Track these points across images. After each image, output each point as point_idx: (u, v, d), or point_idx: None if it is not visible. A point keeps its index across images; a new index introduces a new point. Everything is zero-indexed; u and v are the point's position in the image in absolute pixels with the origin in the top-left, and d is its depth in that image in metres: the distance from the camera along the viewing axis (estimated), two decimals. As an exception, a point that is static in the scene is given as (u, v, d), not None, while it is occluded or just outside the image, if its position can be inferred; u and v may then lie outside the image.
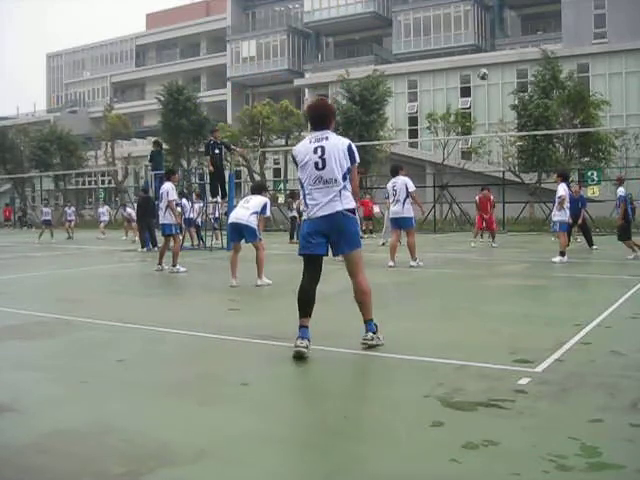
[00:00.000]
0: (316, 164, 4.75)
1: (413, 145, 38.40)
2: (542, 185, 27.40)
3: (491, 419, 3.27)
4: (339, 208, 4.67)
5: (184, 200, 19.53)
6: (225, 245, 16.43)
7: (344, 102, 30.98)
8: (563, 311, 6.58)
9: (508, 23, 48.56)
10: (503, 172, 27.49)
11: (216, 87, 55.69)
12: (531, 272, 10.60)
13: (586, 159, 26.55)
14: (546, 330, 5.46)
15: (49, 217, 23.73)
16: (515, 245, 17.32)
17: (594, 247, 14.76)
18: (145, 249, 16.60)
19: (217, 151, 15.96)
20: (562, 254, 11.63)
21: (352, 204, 4.75)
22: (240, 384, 3.96)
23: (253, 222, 8.84)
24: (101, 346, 5.16)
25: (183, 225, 19.09)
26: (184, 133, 35.03)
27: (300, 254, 4.85)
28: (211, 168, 15.98)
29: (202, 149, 26.31)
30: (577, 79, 27.83)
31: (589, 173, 25.63)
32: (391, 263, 10.98)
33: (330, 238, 4.74)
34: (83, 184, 51.26)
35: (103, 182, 49.51)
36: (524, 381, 3.87)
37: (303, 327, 4.70)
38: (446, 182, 30.26)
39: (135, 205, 20.89)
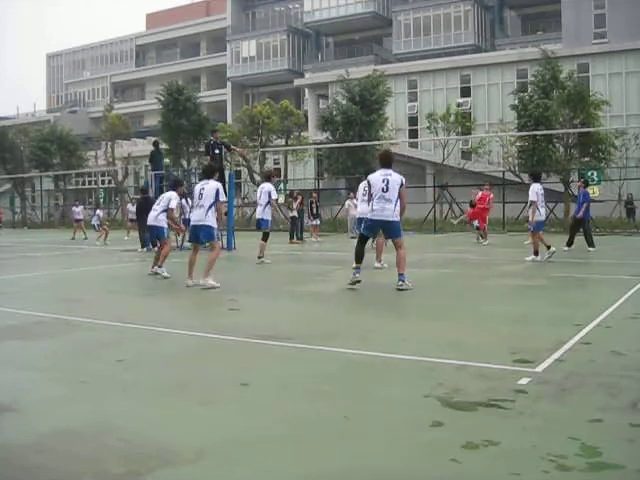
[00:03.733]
0: (382, 189, 8.23)
1: (413, 145, 38.41)
2: (542, 185, 27.37)
3: (491, 419, 3.27)
4: (390, 219, 8.23)
5: (184, 200, 19.53)
6: (225, 245, 16.45)
7: (344, 102, 30.98)
8: (563, 311, 6.58)
9: (508, 23, 48.52)
10: (503, 172, 27.50)
11: (216, 87, 55.70)
12: (531, 272, 10.60)
13: (586, 159, 26.53)
14: (546, 330, 5.45)
15: (81, 216, 23.93)
16: (515, 245, 17.31)
17: (592, 248, 14.48)
18: (145, 249, 16.59)
19: (217, 151, 15.97)
20: (536, 253, 11.97)
21: (398, 216, 8.28)
22: (240, 384, 3.95)
23: (209, 220, 8.80)
24: (101, 346, 5.16)
25: (183, 225, 19.13)
26: (184, 133, 35.01)
27: (364, 234, 8.64)
28: (211, 168, 15.96)
29: (202, 149, 26.31)
30: (577, 79, 27.80)
31: (589, 173, 25.61)
32: (377, 264, 10.87)
33: (383, 230, 8.62)
34: (83, 184, 51.29)
35: (103, 182, 49.54)
36: (524, 381, 3.87)
37: (357, 267, 8.24)
38: (446, 182, 30.27)
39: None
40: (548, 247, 12.04)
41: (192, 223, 9.02)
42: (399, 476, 2.64)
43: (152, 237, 10.94)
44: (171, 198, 10.63)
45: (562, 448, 2.82)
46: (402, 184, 8.34)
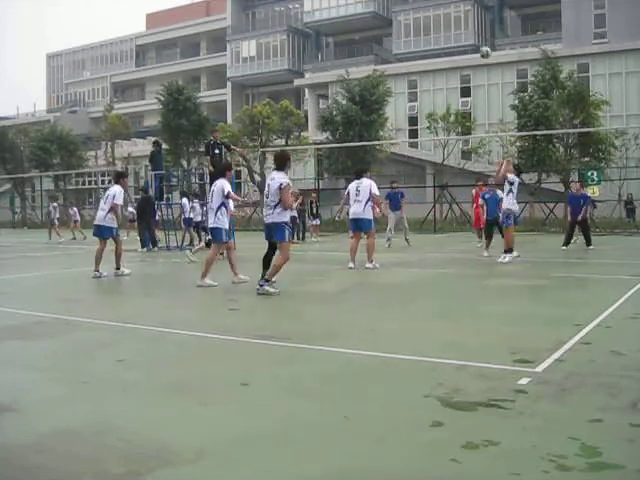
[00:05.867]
0: (266, 193, 8.36)
1: (413, 145, 38.40)
2: (542, 185, 27.40)
3: (491, 419, 3.27)
4: (270, 221, 8.18)
5: (184, 200, 19.57)
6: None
7: (344, 102, 30.97)
8: (563, 311, 6.58)
9: (508, 23, 48.52)
10: (503, 172, 27.46)
11: (216, 87, 55.68)
12: (531, 272, 10.60)
13: (586, 159, 26.54)
14: (546, 330, 5.45)
15: (78, 217, 23.58)
16: (515, 245, 17.28)
17: (591, 247, 14.81)
18: (145, 249, 16.60)
19: (217, 151, 15.96)
20: (511, 250, 12.00)
21: (281, 218, 8.11)
22: (240, 384, 3.95)
23: (218, 222, 8.89)
24: (101, 346, 5.16)
25: (183, 225, 19.17)
26: (184, 133, 35.01)
27: (266, 239, 8.54)
28: (211, 168, 15.97)
29: (202, 149, 26.33)
30: (577, 79, 27.81)
31: (589, 173, 25.63)
32: (351, 265, 10.86)
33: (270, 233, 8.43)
34: (83, 184, 51.27)
35: (103, 182, 49.51)
36: (524, 381, 3.87)
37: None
38: (446, 182, 30.26)
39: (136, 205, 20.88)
40: (487, 246, 12.97)
41: (209, 226, 9.25)
42: (399, 476, 2.64)
43: (102, 237, 10.60)
44: (115, 194, 10.38)
45: (562, 448, 2.82)
46: (282, 188, 8.08)
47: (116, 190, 10.43)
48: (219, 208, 8.88)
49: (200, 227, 17.82)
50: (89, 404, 3.63)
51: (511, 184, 11.86)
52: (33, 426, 3.25)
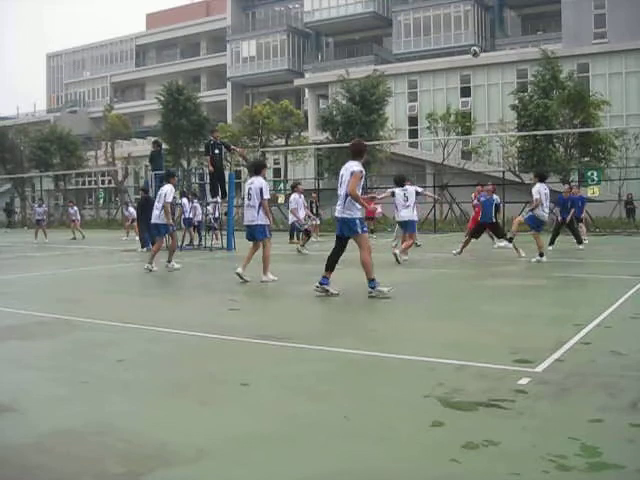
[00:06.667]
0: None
1: (413, 145, 38.40)
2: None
3: (491, 419, 3.27)
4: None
5: (184, 200, 19.57)
6: (225, 245, 16.46)
7: (344, 102, 30.98)
8: (563, 311, 6.58)
9: (508, 23, 48.52)
10: (503, 172, 27.49)
11: (216, 87, 55.71)
12: (531, 272, 10.60)
13: (586, 159, 26.55)
14: (546, 330, 5.45)
15: (41, 217, 23.79)
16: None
17: (582, 246, 14.88)
18: (145, 249, 16.58)
19: (217, 151, 15.97)
20: (541, 255, 11.93)
21: (352, 214, 7.58)
22: (240, 384, 3.95)
23: (261, 219, 9.22)
24: (101, 346, 5.15)
25: (183, 225, 19.18)
26: (184, 133, 35.03)
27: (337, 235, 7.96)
28: (211, 168, 15.99)
29: (202, 149, 26.33)
30: (577, 79, 27.82)
31: (589, 173, 25.64)
32: (404, 257, 11.96)
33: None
34: (83, 184, 51.29)
35: (103, 182, 49.56)
36: (524, 381, 3.87)
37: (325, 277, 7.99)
38: (446, 182, 30.26)
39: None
40: (464, 245, 13.13)
41: (245, 223, 9.50)
42: (399, 476, 2.64)
43: (159, 234, 11.43)
44: (167, 192, 11.11)
45: (562, 448, 2.82)
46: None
47: (167, 189, 11.16)
48: (261, 205, 9.17)
49: (212, 226, 17.95)
50: (89, 404, 3.63)
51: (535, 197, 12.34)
52: (33, 426, 3.25)
